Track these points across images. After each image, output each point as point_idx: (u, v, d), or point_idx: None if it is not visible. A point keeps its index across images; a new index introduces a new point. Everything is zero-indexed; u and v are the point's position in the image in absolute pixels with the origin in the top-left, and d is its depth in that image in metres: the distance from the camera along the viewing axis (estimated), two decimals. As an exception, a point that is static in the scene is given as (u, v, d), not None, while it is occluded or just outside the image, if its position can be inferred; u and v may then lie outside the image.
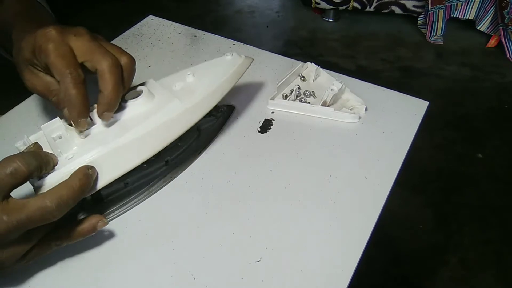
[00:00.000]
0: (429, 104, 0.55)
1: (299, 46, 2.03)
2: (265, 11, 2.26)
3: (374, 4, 2.03)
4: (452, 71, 1.87)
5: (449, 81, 1.82)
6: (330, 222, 0.43)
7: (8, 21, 0.48)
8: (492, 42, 1.96)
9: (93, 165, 0.38)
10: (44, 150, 0.39)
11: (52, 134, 0.38)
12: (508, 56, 1.91)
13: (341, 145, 0.51)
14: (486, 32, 1.97)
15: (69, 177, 0.36)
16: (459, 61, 1.92)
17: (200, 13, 2.23)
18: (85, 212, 0.43)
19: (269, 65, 0.62)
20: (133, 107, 0.43)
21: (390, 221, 1.24)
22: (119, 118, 0.42)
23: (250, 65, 0.50)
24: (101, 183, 0.40)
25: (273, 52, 0.65)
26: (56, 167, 0.38)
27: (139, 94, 0.44)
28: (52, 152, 0.39)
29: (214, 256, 0.40)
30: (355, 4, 2.04)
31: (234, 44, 0.66)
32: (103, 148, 0.39)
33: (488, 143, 1.55)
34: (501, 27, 1.88)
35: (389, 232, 1.22)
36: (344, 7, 2.07)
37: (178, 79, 0.47)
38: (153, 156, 0.47)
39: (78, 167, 0.38)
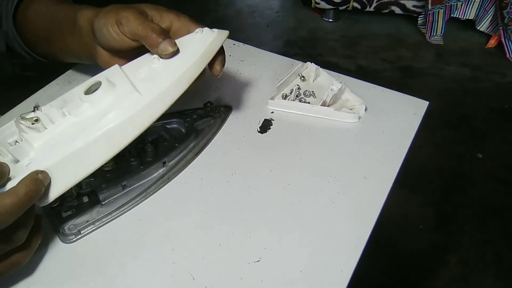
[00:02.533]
0: (429, 104, 0.55)
1: (299, 46, 2.03)
2: (265, 11, 2.26)
3: (374, 4, 2.03)
4: (452, 71, 1.87)
5: (449, 81, 1.82)
6: (329, 222, 0.43)
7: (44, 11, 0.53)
8: (492, 42, 1.96)
9: (49, 171, 0.36)
10: (1, 156, 0.37)
11: (8, 139, 0.36)
12: (508, 56, 1.91)
13: (340, 145, 0.51)
14: (486, 32, 1.97)
15: (17, 184, 0.34)
16: (459, 61, 1.92)
17: (199, 13, 2.23)
18: (82, 214, 0.43)
19: (269, 65, 0.62)
20: (91, 103, 0.39)
21: (390, 221, 1.24)
22: (77, 116, 0.39)
23: (225, 40, 0.45)
24: (60, 189, 0.37)
25: (273, 52, 0.64)
26: (12, 175, 0.36)
27: (98, 86, 0.40)
28: (4, 161, 0.36)
29: (213, 256, 0.40)
30: (355, 4, 2.04)
31: (234, 44, 0.66)
32: (59, 153, 0.36)
33: (488, 143, 1.55)
34: (501, 27, 1.88)
35: (389, 232, 1.22)
36: (344, 7, 2.07)
37: (144, 64, 0.44)
38: (150, 158, 0.47)
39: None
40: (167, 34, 0.43)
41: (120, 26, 0.44)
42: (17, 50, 0.58)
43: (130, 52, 0.47)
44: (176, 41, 0.44)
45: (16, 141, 0.36)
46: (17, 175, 0.36)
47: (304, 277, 0.39)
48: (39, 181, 0.35)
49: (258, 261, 0.40)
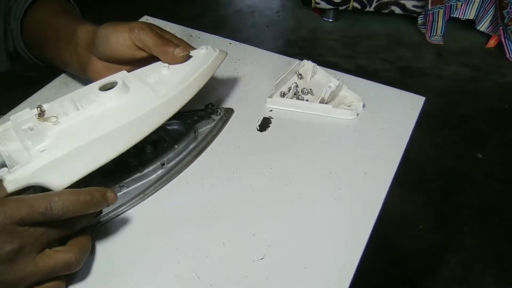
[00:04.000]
0: (425, 99, 0.55)
1: (299, 46, 2.03)
2: (265, 11, 2.26)
3: (374, 4, 2.03)
4: (452, 71, 1.87)
5: (449, 81, 1.82)
6: (332, 218, 0.43)
7: (45, 19, 0.55)
8: (492, 42, 1.96)
9: (67, 158, 0.37)
10: (12, 142, 0.38)
11: (23, 125, 0.37)
12: (508, 56, 1.91)
13: (340, 141, 0.51)
14: (486, 32, 1.97)
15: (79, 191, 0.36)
16: (459, 61, 1.92)
17: (200, 13, 2.24)
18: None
19: (266, 64, 0.62)
20: (107, 99, 0.42)
21: (390, 221, 1.23)
22: (93, 111, 0.41)
23: (224, 59, 0.50)
24: (74, 177, 0.39)
25: (273, 52, 0.64)
26: (25, 160, 0.36)
27: (113, 85, 0.43)
28: (14, 147, 0.37)
29: (218, 255, 0.40)
30: (355, 4, 2.05)
31: (230, 43, 0.66)
32: (77, 142, 0.38)
33: (488, 143, 1.55)
34: (501, 27, 1.88)
35: (389, 232, 1.22)
36: (344, 7, 2.07)
37: (152, 71, 0.46)
38: (149, 159, 0.47)
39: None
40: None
41: (133, 33, 0.47)
42: (18, 50, 0.59)
43: (127, 64, 0.50)
44: None
45: (31, 128, 0.38)
46: (31, 160, 0.36)
47: (309, 273, 0.39)
48: (105, 197, 0.36)
49: (262, 258, 0.40)
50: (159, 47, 0.46)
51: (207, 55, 0.48)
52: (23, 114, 0.38)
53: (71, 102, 0.40)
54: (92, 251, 0.41)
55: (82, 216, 0.36)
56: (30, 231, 0.33)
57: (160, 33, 0.49)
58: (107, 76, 0.46)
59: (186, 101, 0.46)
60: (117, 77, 0.44)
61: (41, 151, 0.37)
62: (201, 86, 0.47)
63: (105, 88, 0.43)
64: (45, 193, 0.34)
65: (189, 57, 0.48)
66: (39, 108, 0.40)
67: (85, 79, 0.60)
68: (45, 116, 0.39)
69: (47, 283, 0.35)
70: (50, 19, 0.55)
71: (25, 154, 0.37)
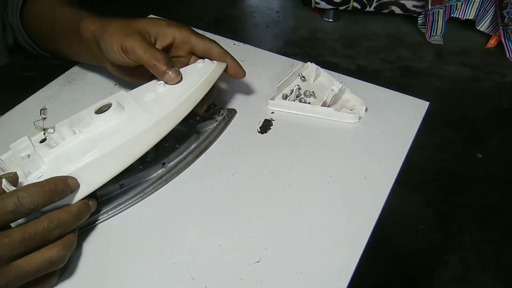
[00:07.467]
0: (429, 104, 0.55)
1: (299, 46, 2.03)
2: (265, 11, 2.26)
3: (374, 4, 2.03)
4: (452, 71, 1.87)
5: (449, 81, 1.82)
6: (330, 222, 0.43)
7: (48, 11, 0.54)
8: (492, 42, 1.96)
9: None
10: (14, 169, 0.39)
11: (21, 153, 0.38)
12: (508, 56, 1.91)
13: (341, 145, 0.51)
14: (486, 32, 1.97)
15: (44, 180, 0.37)
16: (459, 61, 1.92)
17: (200, 13, 2.23)
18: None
19: (269, 65, 0.62)
20: (102, 121, 0.42)
21: (390, 221, 1.23)
22: (88, 133, 0.41)
23: (223, 70, 0.50)
24: (69, 201, 0.39)
25: (273, 52, 0.64)
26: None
27: (109, 107, 0.43)
28: (21, 171, 0.38)
29: (214, 256, 0.40)
30: (355, 4, 2.04)
31: (234, 44, 0.66)
32: (71, 166, 0.38)
33: (488, 143, 1.55)
34: (501, 27, 1.88)
35: (389, 232, 1.22)
36: (344, 7, 2.07)
37: (149, 89, 0.46)
38: (150, 158, 0.48)
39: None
40: (171, 62, 0.46)
41: (126, 53, 0.46)
42: (21, 44, 0.59)
43: (134, 68, 0.49)
44: (181, 70, 0.47)
45: (29, 155, 0.38)
46: None
47: (304, 278, 0.39)
48: (66, 183, 0.37)
49: (258, 261, 0.40)
50: (153, 69, 0.45)
51: (204, 70, 0.48)
52: (21, 142, 0.39)
53: (68, 126, 0.41)
54: (88, 250, 0.41)
55: (60, 225, 0.36)
56: (5, 241, 0.33)
57: (160, 32, 0.47)
58: (123, 73, 0.48)
59: (182, 117, 0.46)
60: (113, 98, 0.44)
61: (38, 178, 0.38)
62: (197, 101, 0.47)
63: (101, 110, 0.43)
64: (10, 191, 0.35)
65: (181, 79, 0.47)
66: (42, 111, 0.40)
67: (88, 76, 0.60)
68: (41, 143, 0.40)
69: (38, 283, 0.36)
70: (56, 12, 0.54)
71: (24, 181, 0.38)
